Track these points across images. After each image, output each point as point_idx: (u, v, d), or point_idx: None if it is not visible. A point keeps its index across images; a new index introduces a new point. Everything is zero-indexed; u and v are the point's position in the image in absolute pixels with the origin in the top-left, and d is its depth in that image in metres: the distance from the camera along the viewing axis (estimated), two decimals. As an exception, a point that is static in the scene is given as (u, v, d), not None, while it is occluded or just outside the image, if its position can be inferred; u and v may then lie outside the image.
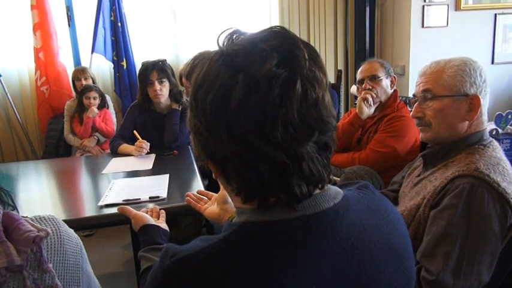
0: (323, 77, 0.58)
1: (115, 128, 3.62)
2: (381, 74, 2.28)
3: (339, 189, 0.66)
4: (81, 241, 0.84)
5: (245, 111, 0.54)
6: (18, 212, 0.78)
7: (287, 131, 0.55)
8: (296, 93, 0.55)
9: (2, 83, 3.70)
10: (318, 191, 0.63)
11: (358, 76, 2.33)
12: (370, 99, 2.24)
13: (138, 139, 2.57)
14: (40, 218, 0.80)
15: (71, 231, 0.84)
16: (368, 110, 2.25)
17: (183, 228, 2.96)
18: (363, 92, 2.27)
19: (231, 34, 0.60)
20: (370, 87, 2.26)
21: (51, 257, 0.75)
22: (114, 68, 3.99)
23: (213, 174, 0.64)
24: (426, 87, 1.25)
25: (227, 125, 0.55)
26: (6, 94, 3.75)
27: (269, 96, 0.54)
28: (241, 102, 0.54)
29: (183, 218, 2.93)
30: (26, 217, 0.77)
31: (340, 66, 4.08)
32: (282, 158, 0.56)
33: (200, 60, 0.61)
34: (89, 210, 1.82)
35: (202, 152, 0.61)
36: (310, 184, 0.60)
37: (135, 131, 2.59)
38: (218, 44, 0.61)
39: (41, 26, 3.73)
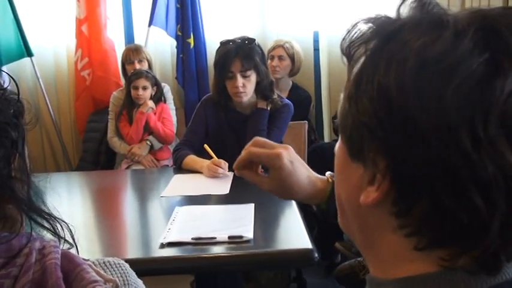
0: None
1: (175, 131, 3.73)
2: None
3: None
4: None
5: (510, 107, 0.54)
6: (77, 251, 0.81)
7: None
8: None
9: (33, 66, 4.02)
10: None
11: None
12: None
13: (211, 157, 2.57)
14: (104, 263, 0.82)
15: (140, 282, 0.86)
16: None
17: (263, 284, 2.95)
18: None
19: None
20: None
21: None
22: (177, 47, 4.13)
23: (377, 187, 0.61)
24: None
25: (475, 123, 0.55)
26: (38, 80, 4.06)
27: None
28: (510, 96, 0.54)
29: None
30: (88, 260, 0.80)
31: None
32: None
33: (400, 31, 0.60)
34: (139, 249, 1.87)
35: (385, 149, 0.60)
36: None
37: (206, 146, 2.60)
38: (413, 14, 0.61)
39: (87, -10, 4.00)
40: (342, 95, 0.66)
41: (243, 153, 1.12)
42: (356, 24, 0.64)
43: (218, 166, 2.52)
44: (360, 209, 0.64)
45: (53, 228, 0.82)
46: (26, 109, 0.83)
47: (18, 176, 0.79)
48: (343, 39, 0.64)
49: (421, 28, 0.59)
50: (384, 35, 0.61)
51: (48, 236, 0.81)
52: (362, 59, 0.62)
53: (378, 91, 0.59)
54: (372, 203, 0.61)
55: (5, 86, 0.81)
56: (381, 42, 0.61)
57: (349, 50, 0.64)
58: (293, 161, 1.09)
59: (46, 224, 0.81)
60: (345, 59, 0.65)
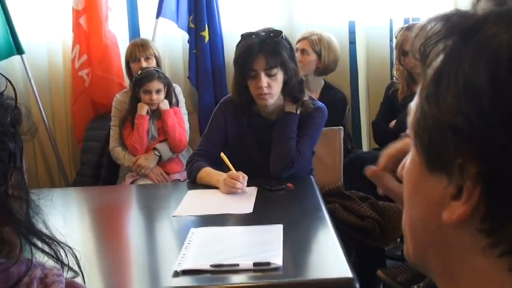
0: None
1: (188, 138, 3.76)
2: None
3: None
4: None
5: None
6: (84, 279, 0.82)
7: None
8: None
9: (24, 64, 4.07)
10: None
11: None
12: None
13: (229, 169, 2.57)
14: None
15: None
16: None
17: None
18: None
19: None
20: None
21: None
22: (190, 41, 4.17)
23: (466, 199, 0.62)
24: None
25: None
26: (30, 81, 4.12)
27: None
28: None
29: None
30: None
31: None
32: None
33: None
34: (149, 279, 1.87)
35: (475, 150, 0.61)
36: None
37: (223, 155, 2.61)
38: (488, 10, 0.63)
39: (85, -23, 4.05)
40: (412, 103, 0.67)
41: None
42: (427, 23, 0.66)
43: (236, 180, 2.52)
44: (440, 231, 0.65)
45: (56, 253, 0.82)
46: (24, 116, 0.84)
47: (15, 193, 0.80)
48: (415, 37, 0.66)
49: (509, 19, 0.62)
50: (465, 29, 0.63)
51: (50, 262, 0.82)
52: (441, 57, 0.64)
53: (465, 86, 0.60)
54: (458, 219, 0.62)
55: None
56: (463, 37, 0.63)
57: (423, 49, 0.66)
58: None
59: (47, 249, 0.82)
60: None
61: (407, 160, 0.70)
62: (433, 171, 0.64)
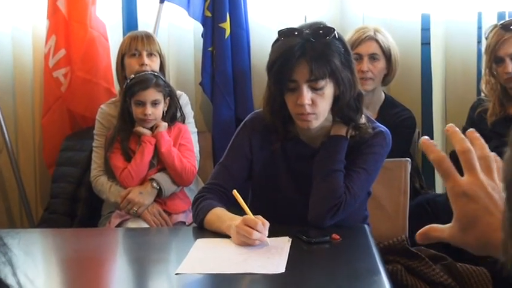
0: None
1: (197, 165, 3.77)
2: None
3: None
4: None
5: None
6: None
7: None
8: None
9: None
10: None
11: None
12: None
13: (245, 212, 2.52)
14: None
15: None
16: None
17: None
18: None
19: None
20: None
21: None
22: (205, 35, 4.22)
23: None
24: None
25: None
26: (-12, 83, 4.18)
27: None
28: None
29: None
30: None
31: None
32: None
33: None
34: None
35: None
36: None
37: (235, 193, 2.58)
38: None
39: None
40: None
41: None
42: None
43: (252, 227, 2.45)
44: None
45: None
46: None
47: None
48: None
49: None
50: None
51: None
52: None
53: None
54: None
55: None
56: None
57: None
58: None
59: None
60: None
61: None
62: None
